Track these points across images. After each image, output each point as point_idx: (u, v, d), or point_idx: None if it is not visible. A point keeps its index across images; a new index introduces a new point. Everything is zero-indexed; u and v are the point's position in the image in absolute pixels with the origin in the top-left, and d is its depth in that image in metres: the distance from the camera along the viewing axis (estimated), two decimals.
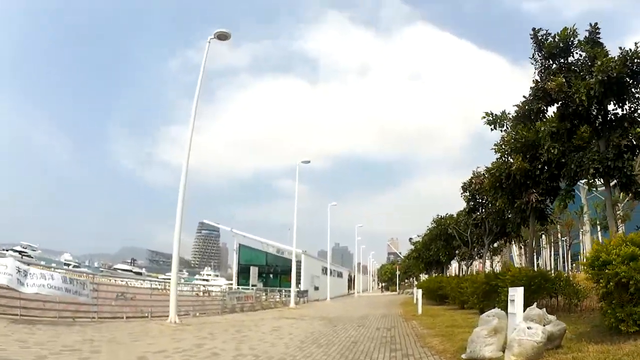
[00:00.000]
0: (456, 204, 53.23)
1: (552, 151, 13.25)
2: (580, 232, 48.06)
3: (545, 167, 15.38)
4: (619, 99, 12.27)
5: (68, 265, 70.42)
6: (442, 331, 13.74)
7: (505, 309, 11.84)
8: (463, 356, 9.05)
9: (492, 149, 17.14)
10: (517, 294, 8.93)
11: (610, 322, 8.25)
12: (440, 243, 35.28)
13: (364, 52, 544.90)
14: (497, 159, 17.59)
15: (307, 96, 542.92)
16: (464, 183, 24.90)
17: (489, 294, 18.74)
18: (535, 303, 10.73)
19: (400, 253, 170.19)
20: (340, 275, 78.73)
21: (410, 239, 55.62)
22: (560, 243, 57.11)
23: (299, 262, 46.96)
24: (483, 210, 23.45)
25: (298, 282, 45.43)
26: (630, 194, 13.21)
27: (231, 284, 56.24)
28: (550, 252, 60.18)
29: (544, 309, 10.87)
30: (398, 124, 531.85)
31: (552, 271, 20.81)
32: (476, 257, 32.54)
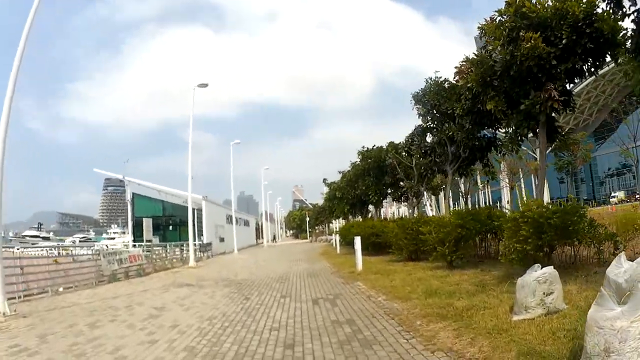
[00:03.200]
0: None
1: None
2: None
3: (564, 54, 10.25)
4: None
5: None
6: (428, 305, 8.37)
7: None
8: None
9: (478, 27, 11.66)
10: None
11: None
12: (370, 179, 29.99)
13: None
14: (480, 49, 12.23)
15: (215, 44, 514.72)
16: (416, 92, 18.85)
17: (461, 242, 13.78)
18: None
19: (306, 200, 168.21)
20: (247, 223, 72.85)
21: (325, 179, 51.15)
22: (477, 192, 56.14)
23: (199, 211, 40.32)
24: (446, 126, 17.39)
25: (200, 234, 39.07)
26: None
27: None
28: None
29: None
30: (307, 72, 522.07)
31: None
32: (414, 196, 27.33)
